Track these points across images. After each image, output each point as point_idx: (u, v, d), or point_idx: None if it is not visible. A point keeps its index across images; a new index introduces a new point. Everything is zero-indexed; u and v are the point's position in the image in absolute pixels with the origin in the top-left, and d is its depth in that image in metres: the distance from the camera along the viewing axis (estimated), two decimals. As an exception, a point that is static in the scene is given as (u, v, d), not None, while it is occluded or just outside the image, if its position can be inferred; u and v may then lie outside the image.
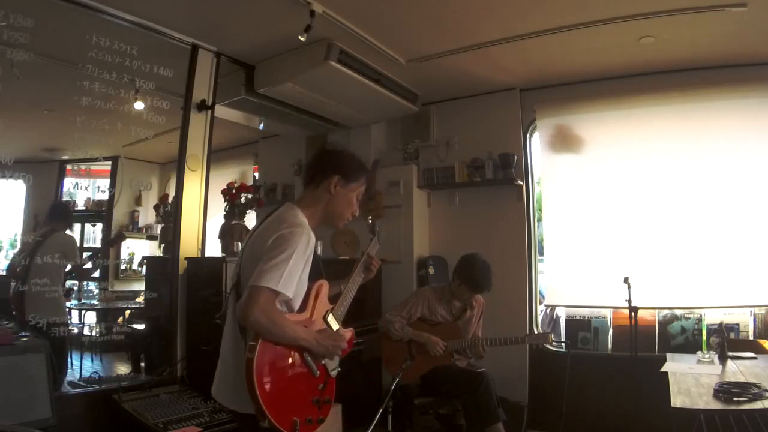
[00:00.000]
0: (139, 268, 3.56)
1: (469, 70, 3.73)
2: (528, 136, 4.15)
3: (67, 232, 3.07)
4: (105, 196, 3.29)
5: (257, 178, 5.13)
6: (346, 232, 4.08)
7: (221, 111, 3.68)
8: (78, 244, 3.16)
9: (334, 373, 1.76)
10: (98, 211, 3.36)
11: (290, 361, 1.58)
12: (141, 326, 3.33)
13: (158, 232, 3.66)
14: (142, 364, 3.23)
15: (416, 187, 4.28)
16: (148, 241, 3.74)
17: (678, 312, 3.57)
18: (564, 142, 3.95)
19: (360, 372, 3.60)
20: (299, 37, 2.83)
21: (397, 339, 3.13)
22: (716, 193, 3.48)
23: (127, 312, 3.41)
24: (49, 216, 2.99)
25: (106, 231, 3.42)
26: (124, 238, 3.42)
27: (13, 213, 2.97)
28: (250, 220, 3.58)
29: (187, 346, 3.11)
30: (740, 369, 2.61)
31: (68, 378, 2.81)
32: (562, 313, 4.10)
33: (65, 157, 3.21)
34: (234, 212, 3.41)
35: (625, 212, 3.71)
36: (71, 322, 2.99)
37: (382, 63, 3.53)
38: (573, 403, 3.35)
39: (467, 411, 2.97)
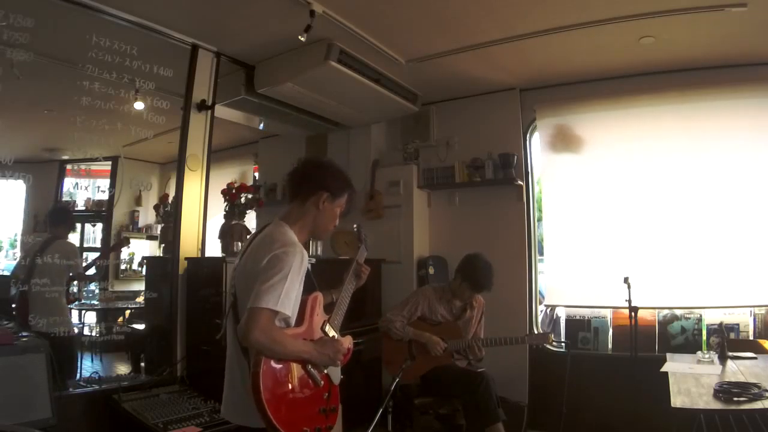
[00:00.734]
0: (139, 268, 3.56)
1: (469, 70, 3.74)
2: (528, 136, 4.15)
3: (70, 237, 3.06)
4: (105, 196, 3.29)
5: (257, 178, 5.13)
6: (346, 233, 4.07)
7: (221, 111, 3.68)
8: (78, 247, 3.15)
9: (337, 381, 1.78)
10: (98, 211, 3.35)
11: (294, 374, 1.61)
12: (141, 326, 3.33)
13: (158, 232, 3.65)
14: (142, 364, 3.23)
15: (416, 187, 4.28)
16: (148, 241, 3.74)
17: (678, 312, 3.57)
18: (564, 142, 3.95)
19: (360, 372, 3.60)
20: (299, 37, 2.84)
21: (398, 339, 3.13)
22: (716, 193, 3.48)
23: (127, 312, 3.40)
24: (50, 221, 2.98)
25: (106, 231, 3.42)
26: (126, 243, 3.42)
27: (13, 213, 2.96)
28: (250, 220, 3.58)
29: (187, 346, 3.10)
30: (740, 369, 2.61)
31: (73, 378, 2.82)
32: (562, 313, 4.10)
33: (65, 157, 3.21)
34: (234, 212, 3.40)
35: (625, 212, 3.71)
36: (72, 323, 2.98)
37: (382, 63, 3.53)
38: (573, 403, 3.34)
39: (467, 411, 2.97)
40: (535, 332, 3.85)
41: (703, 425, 2.44)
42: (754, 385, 2.17)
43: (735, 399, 2.06)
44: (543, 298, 4.12)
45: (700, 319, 3.50)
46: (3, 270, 3.01)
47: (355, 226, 2.20)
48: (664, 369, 2.67)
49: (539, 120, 4.05)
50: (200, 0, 2.81)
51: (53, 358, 2.29)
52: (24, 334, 2.44)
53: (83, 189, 3.31)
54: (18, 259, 2.84)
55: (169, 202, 3.43)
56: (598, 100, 3.84)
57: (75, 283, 2.98)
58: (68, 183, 3.25)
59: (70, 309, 3.00)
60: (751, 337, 3.34)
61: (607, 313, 3.78)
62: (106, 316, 3.24)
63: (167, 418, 2.45)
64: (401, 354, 3.06)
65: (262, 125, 4.62)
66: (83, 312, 3.22)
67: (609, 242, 3.73)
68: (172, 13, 2.93)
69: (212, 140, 3.38)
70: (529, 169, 4.13)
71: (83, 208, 3.33)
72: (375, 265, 4.08)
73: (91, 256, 3.20)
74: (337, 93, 3.69)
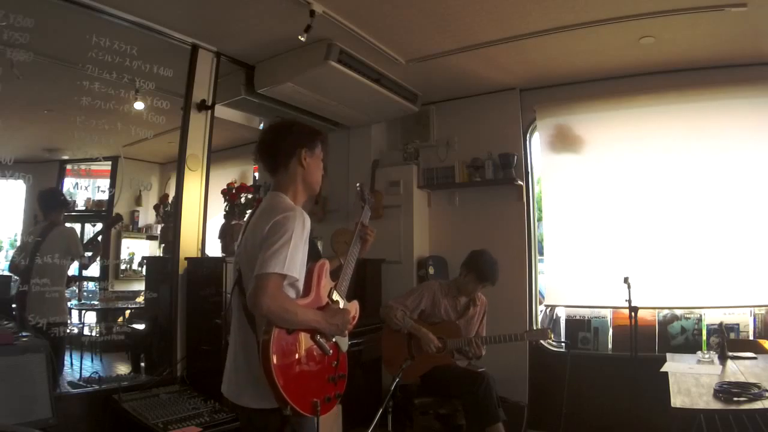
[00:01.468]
0: (139, 268, 3.56)
1: (469, 70, 3.73)
2: (528, 136, 4.15)
3: (67, 224, 3.02)
4: (105, 196, 3.28)
5: (257, 178, 5.12)
6: (346, 233, 4.07)
7: (221, 111, 3.67)
8: (79, 236, 3.13)
9: (345, 348, 1.79)
10: (98, 211, 3.35)
11: (303, 345, 1.61)
12: (141, 326, 3.32)
13: (158, 232, 3.66)
14: (142, 364, 3.23)
15: (416, 187, 4.28)
16: (148, 241, 3.74)
17: (678, 312, 3.57)
18: (564, 142, 3.95)
19: (360, 372, 3.59)
20: (299, 37, 2.83)
21: (396, 328, 3.13)
22: (716, 193, 3.48)
23: (127, 312, 3.40)
24: (42, 208, 2.91)
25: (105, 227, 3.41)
26: (120, 218, 3.36)
27: (13, 213, 2.96)
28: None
29: (187, 346, 3.11)
30: (740, 369, 2.61)
31: (68, 378, 2.81)
32: (562, 313, 4.10)
33: (65, 157, 3.20)
34: (234, 212, 3.41)
35: (625, 212, 3.71)
36: (71, 322, 2.98)
37: (382, 63, 3.52)
38: (573, 403, 3.35)
39: (467, 411, 2.97)
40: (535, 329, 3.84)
41: (703, 425, 2.44)
42: (754, 385, 2.17)
43: (735, 399, 2.06)
44: (543, 298, 4.12)
45: (700, 319, 3.50)
46: (3, 270, 3.00)
47: (358, 185, 2.12)
48: (664, 369, 2.67)
49: (539, 120, 4.05)
50: (200, 0, 2.80)
51: (53, 358, 2.29)
52: (24, 334, 2.44)
53: (83, 189, 3.31)
54: (12, 258, 2.81)
55: (169, 202, 3.43)
56: (598, 100, 3.84)
57: (78, 267, 2.94)
58: (68, 183, 3.25)
59: (69, 309, 3.00)
60: (751, 337, 3.34)
61: (607, 313, 3.78)
62: (106, 316, 3.24)
63: (167, 418, 2.44)
64: (401, 354, 3.07)
65: (262, 125, 4.62)
66: (83, 312, 3.22)
67: (609, 242, 3.73)
68: (172, 13, 2.93)
69: (212, 140, 3.38)
70: (529, 169, 4.13)
71: (83, 208, 3.33)
72: (375, 264, 4.09)
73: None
74: (337, 93, 3.69)
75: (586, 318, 3.83)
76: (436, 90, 4.17)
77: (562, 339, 3.87)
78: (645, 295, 3.25)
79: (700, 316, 3.51)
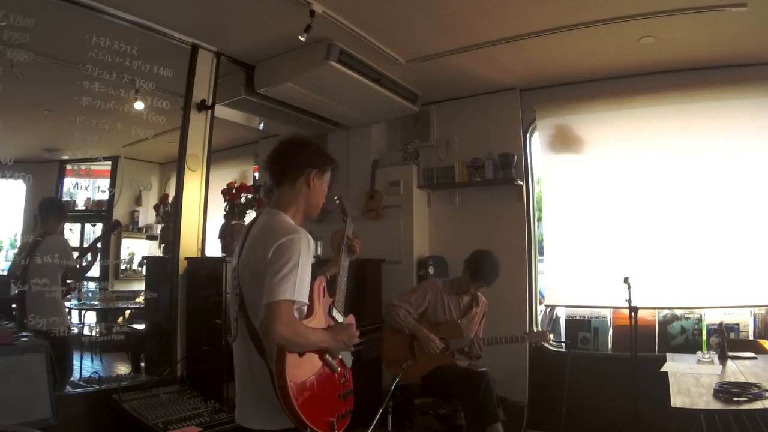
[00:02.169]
0: (139, 268, 3.56)
1: (469, 70, 3.73)
2: (528, 136, 4.15)
3: (67, 228, 3.01)
4: (105, 196, 3.28)
5: (257, 178, 5.13)
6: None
7: (221, 111, 3.67)
8: (71, 246, 3.09)
9: (349, 364, 1.80)
10: (98, 211, 3.35)
11: (314, 366, 1.61)
12: (141, 326, 3.32)
13: (158, 232, 3.66)
14: (142, 364, 3.23)
15: (416, 187, 4.28)
16: (148, 241, 3.74)
17: (678, 312, 3.57)
18: (564, 142, 3.95)
19: (360, 372, 3.58)
20: (299, 37, 2.83)
21: (398, 327, 3.13)
22: (716, 193, 3.48)
23: (127, 312, 3.40)
24: (39, 215, 2.91)
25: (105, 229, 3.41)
26: (119, 225, 3.36)
27: (13, 213, 2.96)
28: (250, 219, 3.57)
29: (187, 346, 3.10)
30: (740, 369, 2.62)
31: (68, 378, 2.81)
32: (562, 313, 4.10)
33: (65, 157, 3.20)
34: (234, 212, 3.41)
35: (625, 212, 3.71)
36: (71, 322, 2.98)
37: (382, 63, 3.52)
38: (573, 403, 3.34)
39: (467, 411, 2.97)
40: (535, 331, 3.85)
41: (703, 425, 2.44)
42: (754, 385, 2.17)
43: (735, 399, 2.06)
44: (543, 298, 4.12)
45: (700, 319, 3.50)
46: (3, 270, 3.00)
47: (336, 198, 2.08)
48: (664, 369, 2.67)
49: (539, 120, 4.05)
50: (200, 0, 2.80)
51: (53, 358, 2.29)
52: (24, 334, 2.44)
53: (83, 189, 3.31)
54: (12, 259, 2.81)
55: (169, 202, 3.43)
56: (598, 100, 3.84)
57: (69, 277, 2.94)
58: (68, 183, 3.25)
59: (69, 309, 3.00)
60: (751, 337, 3.34)
61: (607, 313, 3.78)
62: (106, 316, 3.24)
63: (167, 418, 2.45)
64: (402, 353, 3.07)
65: (262, 125, 4.62)
66: (83, 312, 3.22)
67: (609, 242, 3.73)
68: (172, 13, 2.93)
69: (212, 140, 3.38)
70: (529, 169, 4.13)
71: (83, 208, 3.33)
72: (375, 264, 4.09)
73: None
74: (337, 93, 3.69)
75: (586, 318, 3.83)
76: (436, 90, 4.17)
77: (562, 339, 3.87)
78: (645, 295, 3.25)
79: (700, 316, 3.51)
